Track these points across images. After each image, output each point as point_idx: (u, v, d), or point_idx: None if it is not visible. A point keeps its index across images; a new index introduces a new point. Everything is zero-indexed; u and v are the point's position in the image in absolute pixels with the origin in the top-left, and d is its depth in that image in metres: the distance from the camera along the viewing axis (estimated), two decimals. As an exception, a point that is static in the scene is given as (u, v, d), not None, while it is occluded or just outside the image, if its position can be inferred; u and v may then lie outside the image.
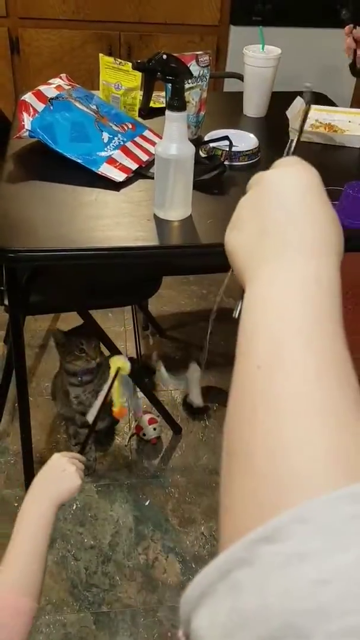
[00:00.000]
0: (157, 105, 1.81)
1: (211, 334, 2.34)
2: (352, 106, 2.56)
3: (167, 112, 1.11)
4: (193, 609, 0.30)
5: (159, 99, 1.85)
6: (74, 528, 1.56)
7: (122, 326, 2.23)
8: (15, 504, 1.61)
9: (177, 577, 1.48)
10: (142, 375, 1.99)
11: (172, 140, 1.14)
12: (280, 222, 0.49)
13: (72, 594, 1.43)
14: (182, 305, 2.42)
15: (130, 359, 1.87)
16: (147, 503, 1.64)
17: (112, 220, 1.25)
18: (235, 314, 0.61)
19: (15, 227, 1.19)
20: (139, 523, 1.59)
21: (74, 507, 1.61)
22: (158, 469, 1.74)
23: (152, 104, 1.79)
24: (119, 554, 1.51)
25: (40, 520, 0.82)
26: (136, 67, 1.09)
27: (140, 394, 1.78)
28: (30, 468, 1.53)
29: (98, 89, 1.71)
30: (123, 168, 1.39)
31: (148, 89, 1.10)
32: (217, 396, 1.95)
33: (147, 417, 1.80)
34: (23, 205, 1.27)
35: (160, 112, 1.75)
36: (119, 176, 1.37)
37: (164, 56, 1.04)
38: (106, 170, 1.38)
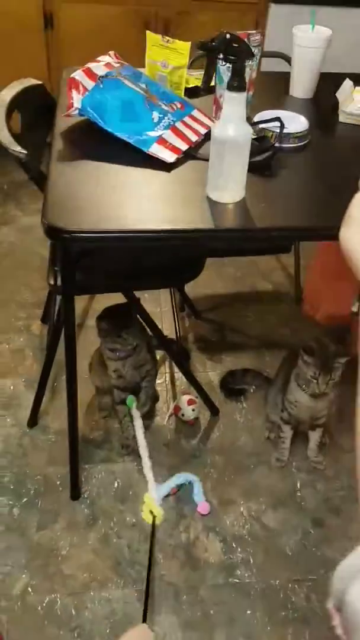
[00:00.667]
0: (195, 84, 1.79)
1: (250, 317, 2.33)
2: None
3: (227, 93, 1.10)
4: (347, 585, 0.32)
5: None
6: (115, 506, 1.59)
7: (158, 307, 2.24)
8: (58, 482, 1.64)
9: (218, 557, 1.50)
10: (181, 356, 2.00)
11: (230, 122, 1.13)
12: None
13: (116, 571, 1.45)
14: (217, 288, 2.42)
15: (170, 340, 1.88)
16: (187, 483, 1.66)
17: (165, 202, 1.24)
18: (355, 308, 0.62)
19: (68, 207, 1.19)
20: (179, 501, 1.61)
21: (116, 485, 1.64)
22: (196, 449, 1.75)
23: (197, 83, 1.78)
24: (160, 532, 1.53)
25: None
26: (200, 47, 1.08)
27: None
28: (75, 447, 1.55)
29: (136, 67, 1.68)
30: (173, 148, 1.38)
31: (210, 67, 1.09)
32: (255, 379, 1.95)
33: (185, 397, 1.81)
34: (75, 185, 1.26)
35: (207, 91, 1.74)
36: (169, 157, 1.36)
37: (227, 35, 1.02)
38: (157, 150, 1.37)
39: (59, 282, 1.40)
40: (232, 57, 1.03)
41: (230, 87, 1.08)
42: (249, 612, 1.39)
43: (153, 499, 1.55)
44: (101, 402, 1.83)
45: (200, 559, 1.49)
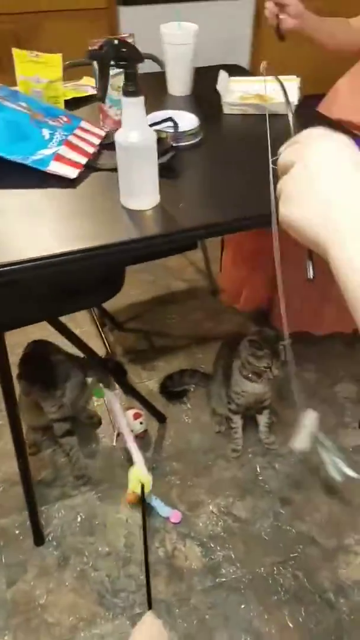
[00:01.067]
0: (80, 94, 1.76)
1: (172, 319, 2.33)
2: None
3: (124, 99, 1.08)
4: None
5: (81, 89, 1.80)
6: (84, 540, 1.53)
7: (78, 328, 2.17)
8: (17, 532, 1.54)
9: (199, 561, 1.48)
10: (118, 371, 1.96)
11: (132, 127, 1.11)
12: (345, 191, 0.51)
13: (102, 604, 1.40)
14: (133, 296, 2.39)
15: (105, 359, 1.84)
16: (152, 497, 1.63)
17: (82, 219, 1.20)
18: (310, 275, 0.65)
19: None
20: (148, 518, 1.57)
21: (79, 519, 1.57)
22: (153, 460, 1.73)
23: (75, 94, 1.75)
24: (137, 553, 1.49)
25: None
26: (90, 56, 1.05)
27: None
28: (30, 491, 1.47)
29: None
30: (73, 163, 1.34)
31: (103, 76, 1.06)
32: (192, 377, 1.95)
33: (131, 412, 1.78)
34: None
35: (85, 101, 1.71)
36: (71, 172, 1.32)
37: (115, 41, 1.01)
38: (56, 168, 1.32)
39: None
40: (123, 63, 1.02)
41: (127, 93, 1.06)
42: (242, 606, 1.39)
43: (140, 469, 1.50)
44: (29, 439, 1.74)
45: (183, 568, 1.47)
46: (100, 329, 2.11)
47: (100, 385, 1.67)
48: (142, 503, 1.46)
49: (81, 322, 2.20)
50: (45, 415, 1.68)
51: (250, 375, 1.59)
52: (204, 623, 1.37)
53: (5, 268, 1.07)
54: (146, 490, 1.48)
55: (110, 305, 2.23)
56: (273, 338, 1.56)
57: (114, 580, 1.44)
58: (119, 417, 1.62)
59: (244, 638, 1.34)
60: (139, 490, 1.49)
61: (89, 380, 1.71)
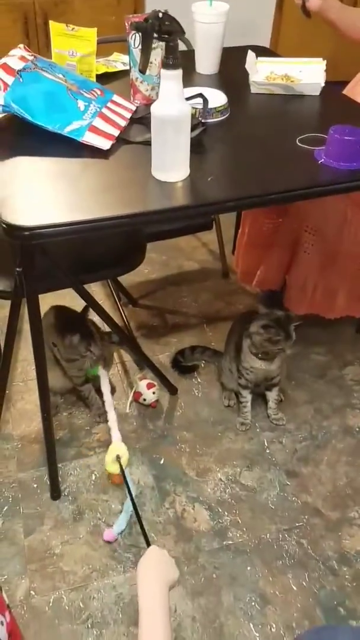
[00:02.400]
0: (111, 70, 1.80)
1: (184, 298, 2.40)
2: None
3: (163, 71, 1.13)
4: None
5: (111, 64, 1.84)
6: (98, 497, 1.59)
7: (94, 300, 2.23)
8: (35, 485, 1.61)
9: (207, 524, 1.55)
10: (135, 342, 2.02)
11: (169, 100, 1.16)
12: None
13: (114, 558, 1.46)
14: (146, 274, 2.44)
15: (120, 332, 1.88)
16: (162, 462, 1.69)
17: (115, 188, 1.25)
18: None
19: (18, 205, 1.17)
20: (159, 481, 1.64)
21: (93, 477, 1.64)
22: (164, 429, 1.79)
23: (106, 69, 1.79)
24: (147, 512, 1.56)
25: (164, 604, 0.97)
26: (135, 27, 1.09)
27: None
28: (52, 447, 1.54)
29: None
30: (107, 135, 1.39)
31: (146, 48, 1.11)
32: (203, 354, 2.01)
33: (144, 382, 1.84)
34: (17, 183, 1.24)
35: (115, 77, 1.76)
36: (105, 144, 1.37)
37: (160, 14, 1.05)
38: (90, 138, 1.37)
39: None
40: (166, 36, 1.06)
41: (166, 66, 1.11)
42: (249, 568, 1.46)
43: (118, 445, 1.55)
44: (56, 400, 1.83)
45: (192, 529, 1.53)
46: (118, 302, 2.17)
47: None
48: (125, 481, 1.47)
49: (98, 296, 2.25)
50: (64, 379, 1.75)
51: (259, 355, 1.65)
52: (211, 581, 1.43)
53: (43, 230, 1.12)
54: (124, 463, 1.51)
55: (124, 281, 2.28)
56: (284, 319, 1.61)
57: (125, 536, 1.51)
58: (106, 392, 1.68)
59: (249, 597, 1.41)
60: (115, 469, 1.52)
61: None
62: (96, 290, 2.29)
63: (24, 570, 1.43)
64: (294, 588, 1.43)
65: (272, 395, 1.81)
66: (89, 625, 1.34)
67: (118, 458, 1.51)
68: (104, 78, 1.71)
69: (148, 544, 1.22)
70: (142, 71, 1.27)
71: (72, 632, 1.33)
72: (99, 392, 1.82)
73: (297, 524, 1.55)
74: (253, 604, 1.39)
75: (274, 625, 1.36)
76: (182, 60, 1.11)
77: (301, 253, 1.85)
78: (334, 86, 1.76)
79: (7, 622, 0.92)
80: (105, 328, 1.84)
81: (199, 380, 1.97)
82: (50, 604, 1.37)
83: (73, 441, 1.74)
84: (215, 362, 1.98)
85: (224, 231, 2.41)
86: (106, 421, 1.68)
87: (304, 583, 1.43)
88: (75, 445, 1.73)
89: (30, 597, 1.39)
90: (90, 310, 1.65)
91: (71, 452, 1.71)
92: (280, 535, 1.53)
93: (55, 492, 1.58)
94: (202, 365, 2.02)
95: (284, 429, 1.81)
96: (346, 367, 2.03)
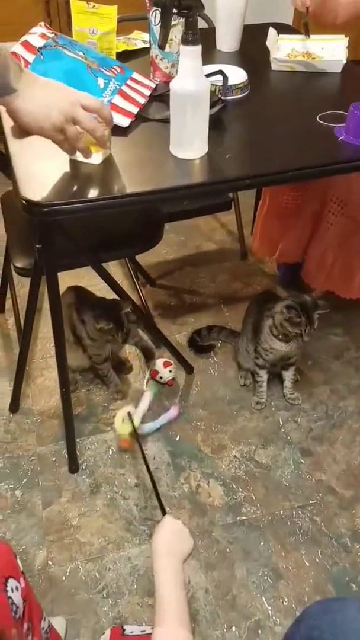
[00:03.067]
0: (131, 47, 1.79)
1: (202, 278, 2.40)
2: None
3: (182, 47, 1.12)
4: None
5: (131, 42, 1.83)
6: (115, 471, 1.62)
7: (113, 279, 2.24)
8: (53, 459, 1.65)
9: (222, 499, 1.57)
10: (152, 321, 2.03)
11: (188, 76, 1.16)
12: None
13: (129, 530, 1.50)
14: (165, 254, 2.45)
15: (137, 311, 1.89)
16: (177, 438, 1.72)
17: (133, 165, 1.26)
18: None
19: (37, 182, 1.19)
20: (174, 457, 1.66)
21: (110, 452, 1.67)
22: (180, 406, 1.81)
23: (126, 47, 1.79)
24: (163, 487, 1.59)
25: (178, 576, 0.98)
26: (154, 3, 1.09)
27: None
28: (70, 421, 1.57)
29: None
30: (126, 113, 1.40)
31: (166, 24, 1.11)
32: (220, 333, 2.02)
33: (161, 360, 1.86)
34: (37, 160, 1.26)
35: (135, 54, 1.75)
36: (124, 121, 1.38)
37: (179, -11, 1.05)
38: (110, 116, 1.38)
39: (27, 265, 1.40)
40: (185, 11, 1.06)
41: (186, 42, 1.11)
42: (262, 543, 1.48)
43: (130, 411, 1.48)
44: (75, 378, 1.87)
45: (206, 504, 1.56)
46: (136, 282, 2.18)
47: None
48: (134, 431, 1.43)
49: (116, 276, 2.27)
50: (82, 358, 1.78)
51: (280, 336, 1.65)
52: (225, 555, 1.46)
53: (60, 207, 1.14)
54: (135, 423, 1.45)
55: (141, 261, 2.29)
56: (310, 305, 1.61)
57: (141, 509, 1.54)
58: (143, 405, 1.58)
59: (262, 571, 1.43)
60: (125, 429, 1.45)
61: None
62: (114, 270, 2.30)
63: (42, 541, 1.47)
64: (307, 564, 1.45)
65: (288, 375, 1.81)
66: (105, 595, 1.38)
67: (130, 415, 1.46)
68: (124, 56, 1.70)
69: (163, 512, 1.22)
70: (162, 47, 1.27)
71: (88, 600, 1.37)
72: (116, 369, 1.85)
73: (310, 502, 1.57)
74: (266, 578, 1.42)
75: (286, 599, 1.38)
76: (202, 37, 1.11)
77: (324, 224, 1.84)
78: (356, 64, 1.74)
79: (22, 588, 0.95)
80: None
81: (215, 359, 1.98)
82: (67, 574, 1.41)
83: (91, 417, 1.77)
84: (232, 342, 1.99)
85: (243, 212, 2.40)
86: (123, 398, 1.71)
87: (317, 559, 1.45)
88: (93, 420, 1.76)
89: (48, 567, 1.43)
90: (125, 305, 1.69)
91: (89, 427, 1.74)
92: (294, 512, 1.55)
93: (73, 466, 1.61)
94: (219, 345, 2.03)
95: (300, 408, 1.82)
96: (363, 348, 2.02)
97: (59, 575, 1.41)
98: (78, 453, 1.64)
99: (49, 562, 1.43)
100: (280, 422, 1.78)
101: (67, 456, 1.62)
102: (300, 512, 1.55)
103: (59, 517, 1.52)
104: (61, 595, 1.38)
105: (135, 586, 1.39)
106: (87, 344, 1.71)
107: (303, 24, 1.66)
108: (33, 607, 0.99)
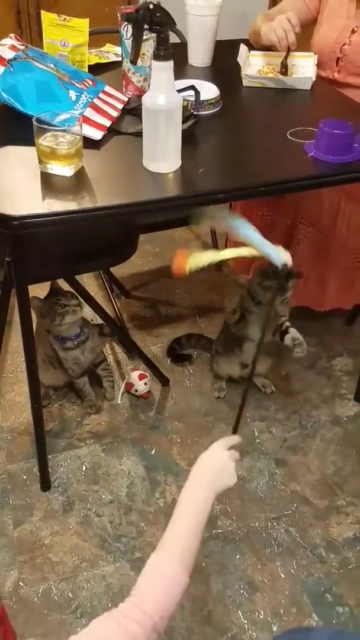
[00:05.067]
0: (103, 60, 1.80)
1: (177, 289, 2.39)
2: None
3: (154, 62, 1.13)
4: None
5: (103, 55, 1.83)
6: (89, 487, 1.60)
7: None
8: (24, 477, 1.62)
9: (198, 514, 1.56)
10: (127, 334, 2.02)
11: (160, 91, 1.16)
12: None
13: (104, 548, 1.47)
14: (139, 265, 2.45)
15: (112, 324, 1.88)
16: (153, 452, 1.70)
17: (106, 178, 1.26)
18: None
19: (6, 194, 1.17)
20: (150, 471, 1.65)
21: (84, 468, 1.65)
22: (155, 420, 1.80)
23: (98, 60, 1.79)
24: (138, 502, 1.57)
25: (204, 506, 0.90)
26: (126, 18, 1.09)
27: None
28: (42, 439, 1.54)
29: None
30: (98, 125, 1.39)
31: (137, 38, 1.11)
32: (199, 341, 2.02)
33: (136, 373, 1.84)
34: (7, 173, 1.24)
35: (107, 67, 1.75)
36: (96, 134, 1.37)
37: (151, 5, 1.05)
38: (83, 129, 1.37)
39: None
40: (157, 27, 1.06)
41: (157, 57, 1.11)
42: (238, 556, 1.47)
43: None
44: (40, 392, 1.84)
45: (182, 519, 1.54)
46: (110, 294, 2.17)
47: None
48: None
49: (90, 287, 2.25)
50: (57, 376, 1.76)
51: (255, 300, 1.66)
52: (201, 570, 1.45)
53: (32, 220, 1.13)
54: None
55: (117, 273, 2.28)
56: (285, 273, 1.59)
57: (115, 526, 1.52)
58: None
59: (238, 585, 1.42)
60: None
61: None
62: (89, 281, 2.29)
63: (13, 562, 1.44)
64: (282, 575, 1.44)
65: (292, 336, 1.66)
66: (78, 615, 1.35)
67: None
68: (96, 69, 1.70)
69: (235, 431, 1.12)
70: (133, 62, 1.27)
71: (61, 622, 1.34)
72: (92, 384, 1.83)
73: (285, 512, 1.57)
74: (241, 591, 1.41)
75: (262, 612, 1.37)
76: (175, 52, 1.12)
77: (295, 244, 1.86)
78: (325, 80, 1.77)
79: None
80: (98, 320, 1.85)
81: (190, 370, 1.98)
82: (40, 595, 1.38)
83: (64, 432, 1.75)
84: (209, 351, 1.99)
85: (216, 224, 2.41)
86: (97, 412, 1.69)
87: (292, 570, 1.45)
88: (66, 436, 1.74)
89: (19, 587, 1.39)
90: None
91: (62, 443, 1.71)
92: (269, 524, 1.55)
93: (45, 484, 1.58)
94: (195, 355, 2.03)
95: (275, 418, 1.83)
96: (335, 358, 2.04)
97: (30, 596, 1.38)
98: (50, 470, 1.61)
99: (21, 583, 1.40)
100: (255, 432, 1.78)
101: (38, 474, 1.59)
102: (275, 524, 1.55)
103: (30, 536, 1.49)
104: (33, 617, 1.35)
105: (110, 605, 1.37)
106: (62, 357, 1.69)
107: (282, 65, 1.68)
108: (8, 633, 0.96)
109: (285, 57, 1.67)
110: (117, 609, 0.77)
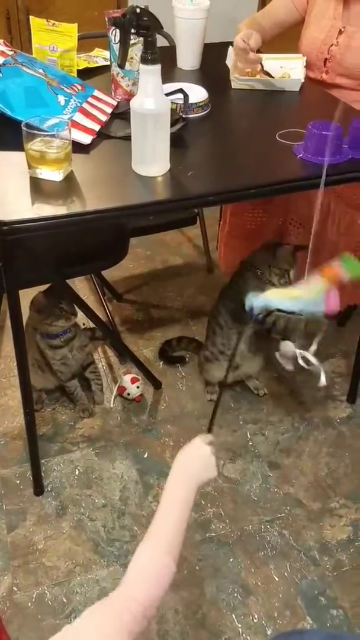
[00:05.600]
0: (92, 65, 1.80)
1: (169, 292, 2.38)
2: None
3: (142, 66, 1.13)
4: None
5: (92, 59, 1.83)
6: (82, 492, 1.60)
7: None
8: (17, 482, 1.61)
9: (191, 516, 1.55)
10: (119, 337, 2.02)
11: (148, 95, 1.16)
12: None
13: (97, 552, 1.47)
14: (130, 269, 2.45)
15: (103, 327, 1.88)
16: (145, 455, 1.70)
17: (95, 183, 1.26)
18: None
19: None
20: (142, 475, 1.64)
21: (77, 472, 1.64)
22: (148, 423, 1.80)
23: (87, 65, 1.79)
24: (131, 506, 1.57)
25: (187, 499, 0.92)
26: (113, 23, 1.10)
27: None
28: (35, 443, 1.53)
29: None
30: (87, 130, 1.39)
31: (125, 43, 1.11)
32: (190, 344, 2.02)
33: (128, 377, 1.84)
34: (-3, 177, 1.24)
35: (96, 72, 1.76)
36: (85, 139, 1.37)
37: (138, 9, 1.05)
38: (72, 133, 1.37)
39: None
40: (144, 31, 1.07)
41: (145, 60, 1.12)
42: (231, 559, 1.47)
43: None
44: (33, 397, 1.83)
45: (175, 522, 1.54)
46: (102, 297, 2.17)
47: None
48: None
49: (82, 291, 2.25)
50: (47, 379, 1.76)
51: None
52: (194, 574, 1.44)
53: (22, 225, 1.13)
54: None
55: (109, 277, 2.28)
56: (279, 248, 1.64)
57: (109, 530, 1.51)
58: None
59: (231, 588, 1.42)
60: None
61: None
62: (80, 285, 2.29)
63: (6, 567, 1.43)
64: (276, 578, 1.44)
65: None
66: (72, 620, 1.33)
67: None
68: (85, 73, 1.71)
69: (209, 430, 1.12)
70: (121, 66, 1.27)
71: (55, 627, 1.33)
72: (83, 388, 1.83)
73: (279, 515, 1.57)
74: (235, 595, 1.41)
75: (256, 616, 1.37)
76: (163, 55, 1.12)
77: (287, 242, 1.86)
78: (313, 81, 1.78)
79: None
80: (90, 324, 1.84)
81: (183, 373, 1.98)
82: (33, 600, 1.38)
83: (57, 436, 1.74)
84: (200, 355, 1.99)
85: (208, 227, 2.41)
86: (89, 416, 1.69)
87: (286, 573, 1.45)
88: (59, 440, 1.73)
89: (13, 593, 1.39)
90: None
91: (55, 447, 1.71)
92: (263, 527, 1.54)
93: (38, 488, 1.58)
94: (187, 358, 2.03)
95: (267, 420, 1.83)
96: (328, 359, 2.04)
97: (24, 602, 1.37)
98: (43, 474, 1.61)
99: (14, 588, 1.40)
100: (248, 435, 1.78)
101: (31, 478, 1.59)
102: (268, 527, 1.55)
103: (24, 541, 1.48)
104: (27, 622, 1.34)
105: (103, 609, 1.37)
106: (49, 357, 1.69)
107: (264, 72, 1.69)
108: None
109: (261, 68, 1.68)
110: (108, 597, 0.79)
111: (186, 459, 0.99)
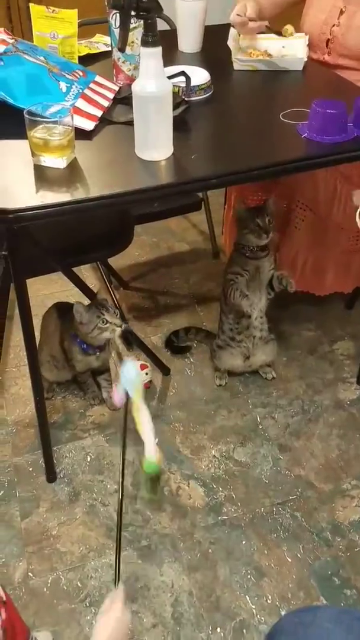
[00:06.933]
0: (93, 51, 1.79)
1: (175, 279, 2.40)
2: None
3: (142, 49, 1.12)
4: None
5: (93, 45, 1.82)
6: (94, 478, 1.61)
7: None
8: (30, 469, 1.63)
9: (202, 500, 1.57)
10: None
11: (149, 78, 1.15)
12: None
13: (111, 537, 1.48)
14: (136, 256, 2.45)
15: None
16: (155, 441, 1.70)
17: (99, 169, 1.25)
18: None
19: (1, 188, 1.17)
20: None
21: (88, 459, 1.65)
22: (157, 409, 1.80)
23: (88, 51, 1.77)
24: (143, 490, 1.58)
25: None
26: (112, 5, 1.09)
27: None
28: (46, 431, 1.54)
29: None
30: (89, 116, 1.38)
31: (125, 26, 1.10)
32: (197, 334, 2.02)
33: (137, 364, 1.84)
34: (1, 166, 1.24)
35: (98, 58, 1.74)
36: (88, 125, 1.37)
37: (137, -9, 1.04)
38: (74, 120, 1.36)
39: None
40: (144, 13, 1.05)
41: (145, 43, 1.11)
42: (244, 542, 1.48)
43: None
44: (43, 385, 1.83)
45: (187, 506, 1.55)
46: (108, 285, 2.17)
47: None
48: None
49: (89, 280, 2.25)
50: (63, 374, 1.79)
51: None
52: (207, 556, 1.45)
53: (27, 213, 1.12)
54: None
55: (115, 265, 2.28)
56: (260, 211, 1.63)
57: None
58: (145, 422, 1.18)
59: (244, 570, 1.43)
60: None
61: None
62: (87, 274, 2.29)
63: (21, 553, 1.45)
64: (289, 560, 1.45)
65: (275, 275, 1.72)
66: (87, 604, 1.36)
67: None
68: (87, 60, 1.70)
69: (116, 582, 1.09)
70: (121, 49, 1.26)
71: (71, 611, 1.35)
72: (94, 376, 1.84)
73: (290, 497, 1.58)
74: (249, 576, 1.42)
75: (270, 597, 1.38)
76: (164, 38, 1.11)
77: (292, 228, 1.85)
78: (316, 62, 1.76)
79: (4, 619, 0.92)
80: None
81: (191, 360, 1.98)
82: (49, 585, 1.39)
83: (68, 424, 1.75)
84: (208, 343, 1.99)
85: (213, 212, 2.40)
86: (100, 403, 1.69)
87: (299, 555, 1.46)
88: (70, 428, 1.74)
89: (29, 578, 1.41)
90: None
91: (66, 434, 1.72)
92: (274, 509, 1.55)
93: (51, 475, 1.59)
94: (195, 345, 2.03)
95: (277, 404, 1.83)
96: (336, 342, 2.04)
97: (40, 587, 1.39)
98: (55, 461, 1.62)
99: (30, 573, 1.41)
100: (258, 419, 1.79)
101: (44, 465, 1.60)
102: (280, 509, 1.55)
103: (38, 527, 1.50)
104: (43, 607, 1.36)
105: (118, 593, 1.38)
106: (76, 358, 1.70)
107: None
108: (17, 633, 0.96)
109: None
110: None
111: (106, 626, 0.95)
